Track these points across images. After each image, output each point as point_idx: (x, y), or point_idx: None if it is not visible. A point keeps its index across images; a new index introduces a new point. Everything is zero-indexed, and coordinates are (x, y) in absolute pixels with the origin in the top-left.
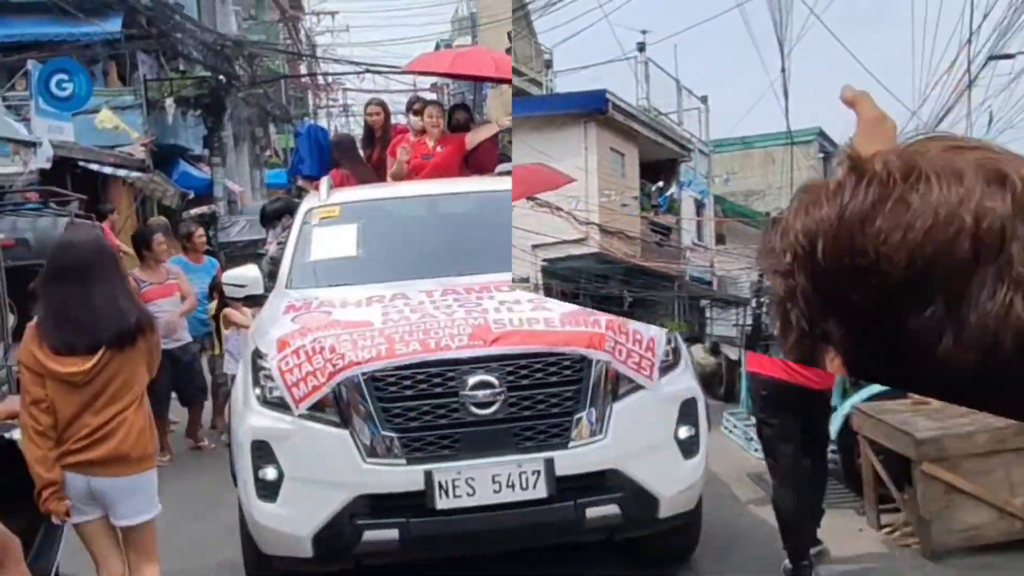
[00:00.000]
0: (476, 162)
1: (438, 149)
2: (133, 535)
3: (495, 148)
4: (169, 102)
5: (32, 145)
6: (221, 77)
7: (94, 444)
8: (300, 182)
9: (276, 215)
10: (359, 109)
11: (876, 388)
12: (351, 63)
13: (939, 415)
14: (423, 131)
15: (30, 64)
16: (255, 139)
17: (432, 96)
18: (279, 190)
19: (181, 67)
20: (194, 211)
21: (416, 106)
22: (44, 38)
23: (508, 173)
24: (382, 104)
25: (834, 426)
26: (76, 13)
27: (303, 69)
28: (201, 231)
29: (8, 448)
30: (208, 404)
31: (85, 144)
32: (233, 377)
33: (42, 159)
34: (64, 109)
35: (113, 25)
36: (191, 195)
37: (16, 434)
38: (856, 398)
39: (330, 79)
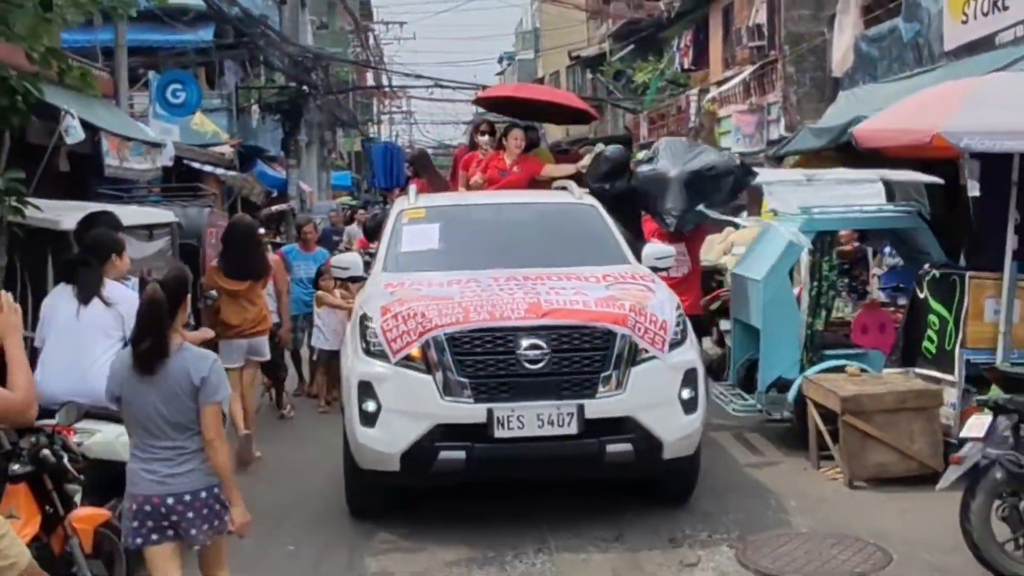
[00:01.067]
0: (537, 183)
1: (515, 169)
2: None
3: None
4: (255, 108)
5: (158, 146)
6: (302, 86)
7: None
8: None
9: (377, 230)
10: (421, 117)
11: (825, 364)
12: (419, 76)
13: (861, 382)
14: (499, 148)
15: (150, 74)
16: (323, 143)
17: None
18: (343, 191)
19: (263, 75)
20: (275, 208)
21: (483, 127)
22: (144, 44)
23: (563, 188)
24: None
25: (792, 393)
26: (172, 23)
27: (371, 76)
28: (312, 225)
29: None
30: (293, 374)
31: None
32: (321, 350)
33: (166, 158)
34: (177, 115)
35: (206, 34)
36: (275, 193)
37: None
38: (809, 372)
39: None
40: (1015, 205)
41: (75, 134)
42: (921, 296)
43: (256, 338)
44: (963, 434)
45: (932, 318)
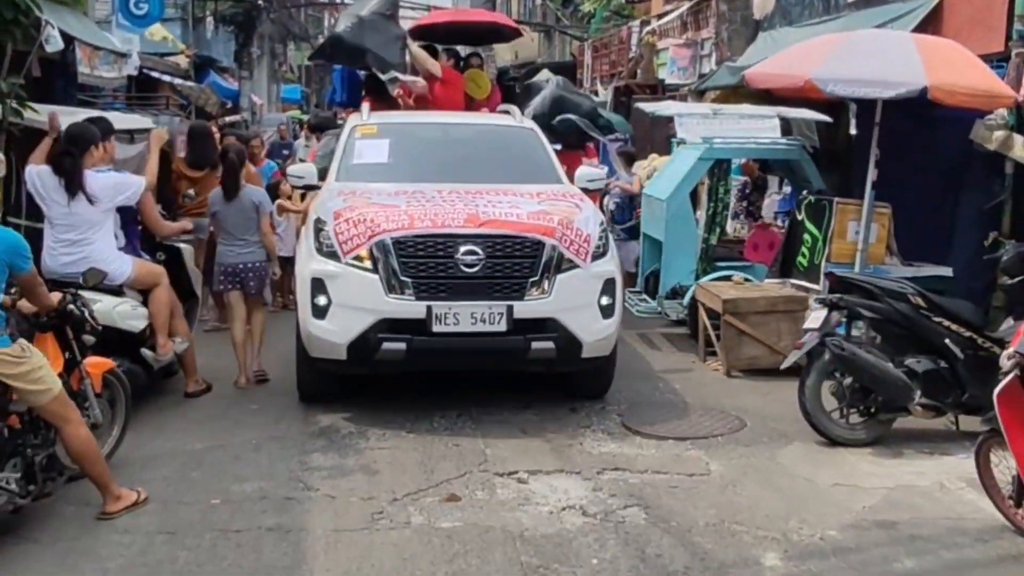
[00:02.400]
0: (482, 106)
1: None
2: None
3: (499, 99)
4: (209, 19)
5: (124, 56)
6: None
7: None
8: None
9: (320, 127)
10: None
11: (715, 274)
12: None
13: (742, 289)
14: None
15: None
16: (274, 55)
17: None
18: (293, 105)
19: None
20: (228, 119)
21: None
22: None
23: (506, 112)
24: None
25: (686, 298)
26: None
27: None
28: (259, 140)
29: (175, 254)
30: None
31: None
32: (281, 257)
33: (131, 67)
34: (139, 26)
35: None
36: (229, 104)
37: (182, 245)
38: (702, 280)
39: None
40: (875, 143)
41: (55, 43)
42: (799, 218)
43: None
44: (804, 326)
45: (806, 237)
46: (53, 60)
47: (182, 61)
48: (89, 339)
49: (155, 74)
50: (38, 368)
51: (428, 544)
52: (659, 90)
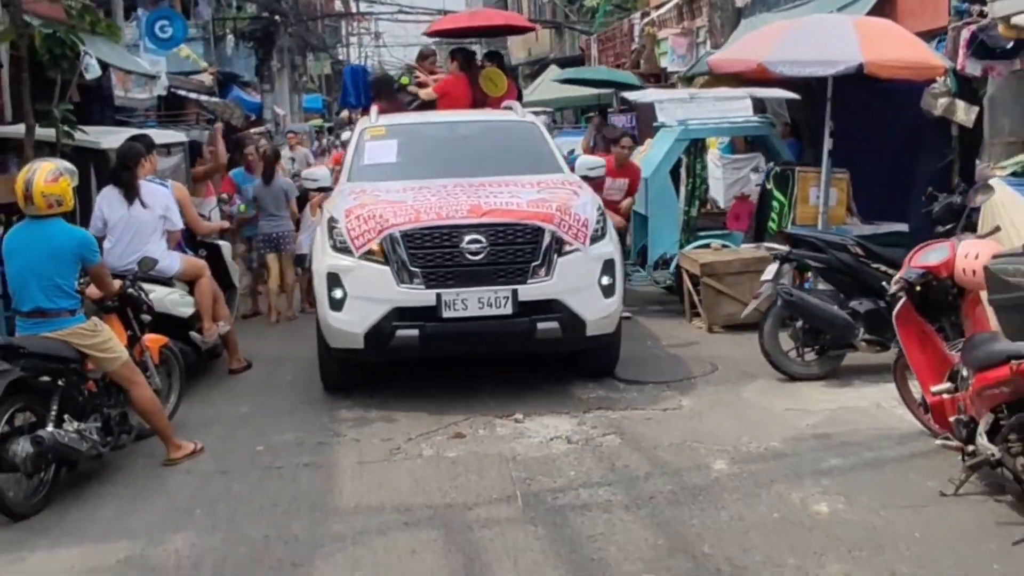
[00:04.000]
0: (488, 103)
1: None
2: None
3: (515, 94)
4: (229, 37)
5: (154, 77)
6: (273, 15)
7: None
8: (348, 112)
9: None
10: (389, 39)
11: (696, 243)
12: (381, 1)
13: (719, 253)
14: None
15: (139, 11)
16: (294, 67)
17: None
18: (315, 113)
19: (235, 4)
20: (254, 130)
21: (425, 63)
22: None
23: (509, 108)
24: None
25: (672, 266)
26: None
27: (339, 1)
28: (254, 148)
29: (215, 250)
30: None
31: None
32: (305, 256)
33: (160, 88)
34: (165, 48)
35: None
36: (253, 117)
37: (221, 242)
38: (685, 249)
39: (362, 7)
40: (829, 116)
41: (93, 71)
42: (768, 187)
43: None
44: (761, 279)
45: (774, 204)
46: (90, 85)
47: (206, 79)
48: (146, 318)
49: (182, 92)
50: (108, 340)
51: (436, 469)
52: (662, 78)
